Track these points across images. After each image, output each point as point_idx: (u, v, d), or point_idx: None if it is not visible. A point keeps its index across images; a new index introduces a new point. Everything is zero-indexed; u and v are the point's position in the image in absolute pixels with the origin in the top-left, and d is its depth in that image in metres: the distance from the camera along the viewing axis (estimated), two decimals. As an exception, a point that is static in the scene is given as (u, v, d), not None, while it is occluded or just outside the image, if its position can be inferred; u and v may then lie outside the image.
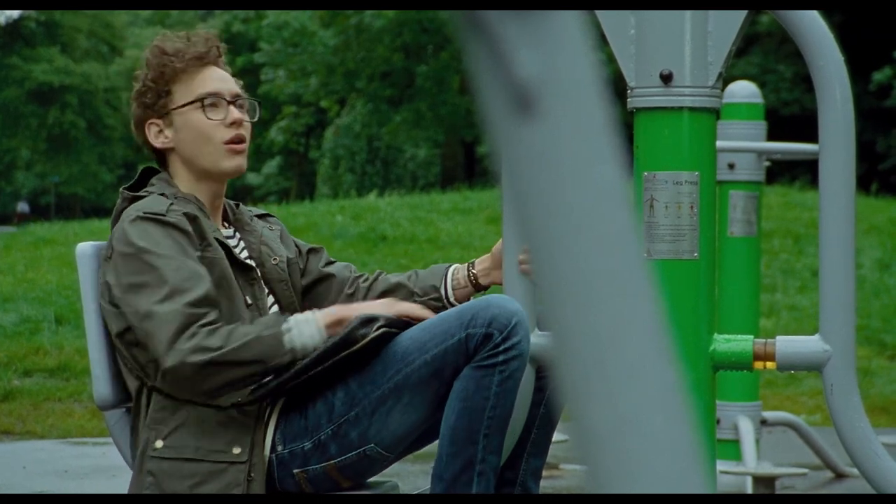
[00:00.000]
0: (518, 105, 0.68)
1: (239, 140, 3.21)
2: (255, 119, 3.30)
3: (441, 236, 12.94)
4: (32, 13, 46.60)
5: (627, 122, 2.75)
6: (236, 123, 3.20)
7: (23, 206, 48.87)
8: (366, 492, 3.17)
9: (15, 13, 47.69)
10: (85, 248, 3.22)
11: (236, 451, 3.03)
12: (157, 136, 3.23)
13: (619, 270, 0.75)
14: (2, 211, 51.25)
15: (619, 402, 0.75)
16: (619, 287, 0.75)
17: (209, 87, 3.22)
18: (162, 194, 3.14)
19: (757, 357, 2.85)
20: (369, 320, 2.99)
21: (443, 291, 3.33)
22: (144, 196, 3.15)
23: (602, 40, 2.87)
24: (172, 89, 3.23)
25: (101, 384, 3.15)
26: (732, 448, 5.42)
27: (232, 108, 3.21)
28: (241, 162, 3.22)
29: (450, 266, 3.38)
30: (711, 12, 2.82)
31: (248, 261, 3.21)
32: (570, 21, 0.68)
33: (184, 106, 3.21)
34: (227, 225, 3.31)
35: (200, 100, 3.20)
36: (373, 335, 2.97)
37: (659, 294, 0.76)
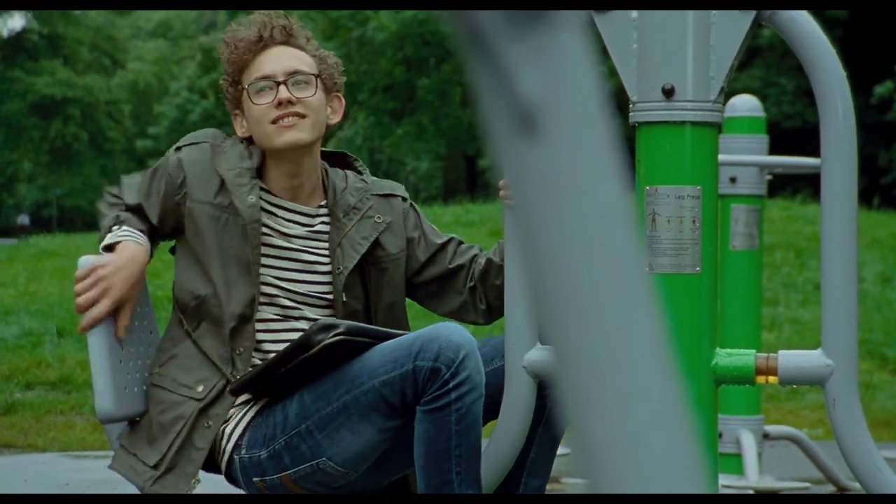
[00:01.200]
0: (521, 125, 0.68)
1: (284, 119, 3.22)
2: (313, 95, 3.26)
3: (443, 249, 12.91)
4: (35, 26, 46.64)
5: (629, 136, 2.75)
6: (282, 104, 3.21)
7: (23, 219, 48.90)
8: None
9: (18, 25, 47.74)
10: (87, 260, 3.22)
11: (199, 389, 3.16)
12: (241, 126, 3.33)
13: (622, 285, 0.75)
14: (4, 223, 51.27)
15: (620, 416, 0.75)
16: (622, 301, 0.75)
17: (260, 71, 3.25)
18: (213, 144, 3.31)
19: (759, 371, 2.85)
20: (328, 327, 3.02)
21: None
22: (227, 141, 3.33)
23: (604, 54, 2.87)
24: (241, 79, 3.29)
25: (102, 398, 3.15)
26: (735, 462, 5.42)
27: (282, 87, 3.22)
28: (294, 136, 3.21)
29: None
30: (714, 26, 2.82)
31: (271, 239, 3.25)
32: (574, 40, 0.69)
33: (241, 95, 3.26)
34: (323, 205, 3.34)
35: (244, 90, 3.24)
36: (328, 342, 2.99)
37: (661, 308, 0.76)
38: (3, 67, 45.39)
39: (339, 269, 3.27)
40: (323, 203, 3.32)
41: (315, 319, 3.24)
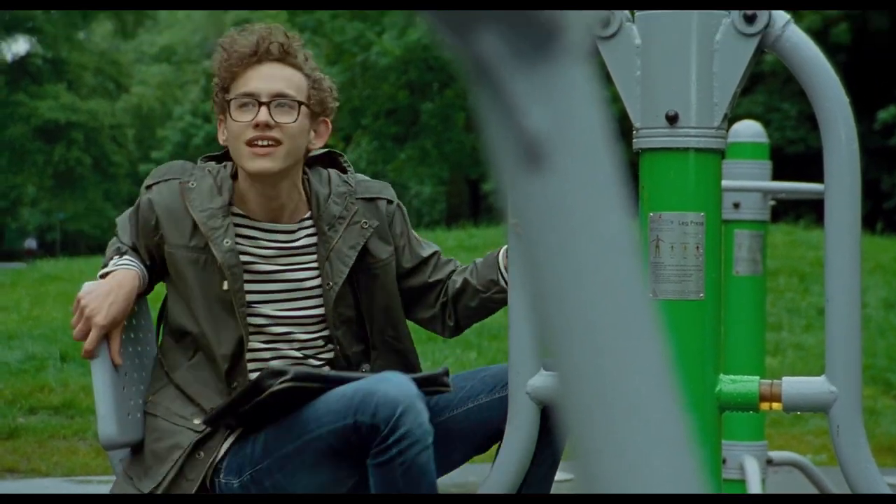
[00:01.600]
0: (528, 157, 0.68)
1: (260, 141, 3.16)
2: (294, 121, 3.19)
3: (446, 274, 12.91)
4: (39, 50, 46.73)
5: (633, 162, 2.76)
6: (260, 126, 3.15)
7: (30, 243, 48.97)
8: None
9: (22, 50, 47.84)
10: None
11: (196, 421, 3.15)
12: (222, 134, 3.26)
13: (626, 312, 0.75)
14: (8, 247, 51.29)
15: (625, 442, 0.75)
16: (626, 328, 0.75)
17: (247, 87, 3.18)
18: (191, 174, 3.28)
19: (763, 398, 2.84)
20: (277, 373, 3.01)
21: (503, 283, 3.30)
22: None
23: (607, 80, 2.88)
24: (229, 87, 3.22)
25: (105, 423, 3.15)
26: (738, 488, 5.40)
27: (263, 109, 3.16)
28: (264, 164, 3.15)
29: (497, 253, 3.35)
30: (717, 53, 2.83)
31: (254, 265, 3.22)
32: (580, 72, 0.69)
33: (226, 105, 3.22)
34: (307, 217, 3.30)
35: (228, 102, 3.20)
36: (275, 389, 2.98)
37: (665, 335, 0.76)
38: (6, 92, 45.46)
39: (328, 284, 3.24)
40: (307, 216, 3.30)
41: (305, 340, 3.24)
